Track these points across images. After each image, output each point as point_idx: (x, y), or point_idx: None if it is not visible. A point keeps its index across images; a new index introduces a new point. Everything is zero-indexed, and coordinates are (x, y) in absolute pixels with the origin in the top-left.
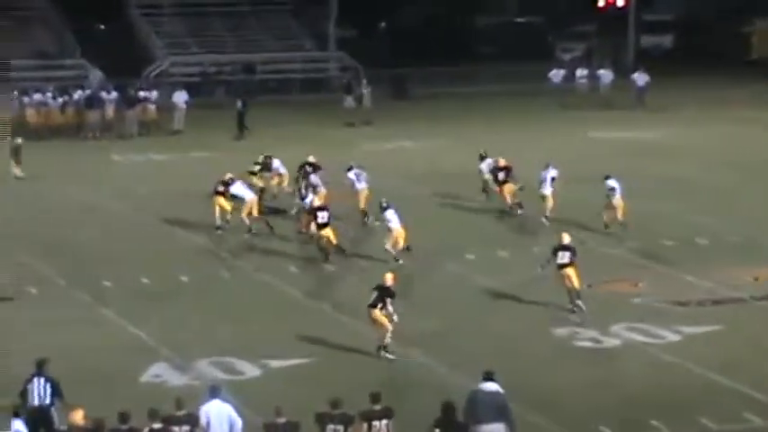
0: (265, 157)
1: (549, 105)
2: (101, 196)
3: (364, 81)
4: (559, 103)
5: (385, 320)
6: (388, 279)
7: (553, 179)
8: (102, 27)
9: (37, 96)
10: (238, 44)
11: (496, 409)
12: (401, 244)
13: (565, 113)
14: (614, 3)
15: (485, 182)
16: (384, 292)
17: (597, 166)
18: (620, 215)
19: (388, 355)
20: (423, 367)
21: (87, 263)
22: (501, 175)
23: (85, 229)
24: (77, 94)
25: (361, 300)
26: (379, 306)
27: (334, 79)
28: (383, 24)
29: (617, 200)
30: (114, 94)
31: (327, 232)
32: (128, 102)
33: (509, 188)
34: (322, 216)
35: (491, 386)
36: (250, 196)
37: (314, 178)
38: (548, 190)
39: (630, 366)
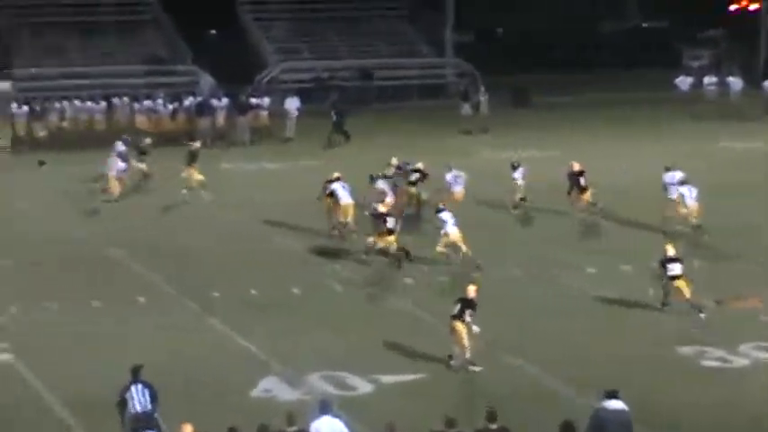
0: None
1: (677, 114)
2: (211, 205)
3: (482, 88)
4: (690, 114)
5: (464, 333)
6: (471, 291)
7: (683, 183)
8: (214, 33)
9: (147, 103)
10: (351, 50)
11: (623, 427)
12: (463, 248)
13: (694, 123)
14: (746, 6)
15: (517, 192)
16: (466, 304)
17: (729, 177)
18: (694, 217)
19: (474, 367)
20: (538, 383)
21: (197, 271)
22: (582, 181)
23: (195, 237)
24: (188, 101)
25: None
26: (462, 318)
27: (450, 86)
28: (500, 30)
29: (690, 202)
30: (225, 101)
31: (391, 239)
32: (239, 109)
33: (587, 195)
34: (389, 222)
35: (616, 404)
36: (346, 200)
37: (381, 184)
38: (675, 194)
39: (759, 387)
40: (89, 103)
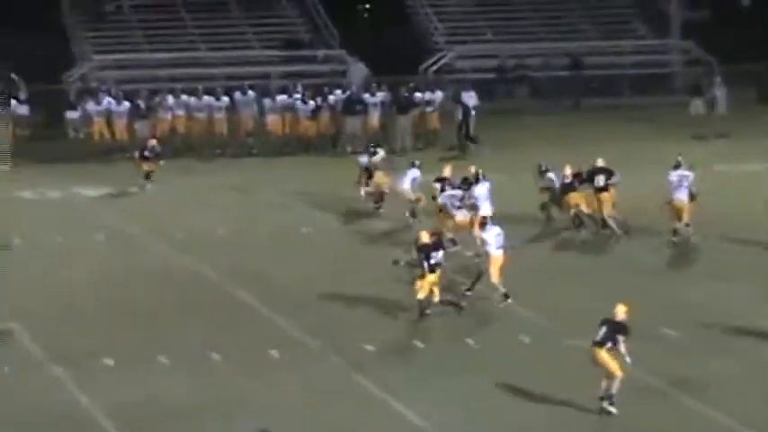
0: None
1: None
2: (361, 230)
3: (718, 79)
4: None
5: (614, 364)
6: (621, 312)
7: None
8: (367, 8)
9: (281, 98)
10: (547, 30)
11: None
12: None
13: None
14: None
15: (548, 199)
16: (615, 328)
17: None
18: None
19: (610, 407)
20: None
21: (346, 316)
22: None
23: (346, 271)
24: (333, 96)
25: None
26: (608, 345)
27: (676, 76)
28: (746, 3)
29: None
30: (381, 96)
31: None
32: (399, 106)
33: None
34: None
35: None
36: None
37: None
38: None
39: None
40: (207, 99)
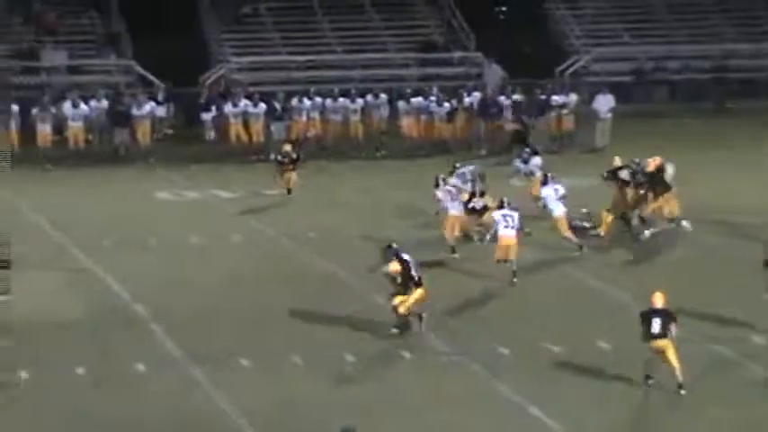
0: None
1: None
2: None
3: None
4: None
5: (671, 352)
6: (661, 300)
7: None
8: (503, 9)
9: (416, 101)
10: (686, 32)
11: None
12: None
13: None
14: None
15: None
16: (667, 317)
17: None
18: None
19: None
20: None
21: (484, 320)
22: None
23: (481, 277)
24: (470, 98)
25: None
26: (670, 335)
27: None
28: None
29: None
30: (515, 98)
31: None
32: (535, 108)
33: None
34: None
35: None
36: (558, 212)
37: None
38: None
39: None
40: (342, 101)
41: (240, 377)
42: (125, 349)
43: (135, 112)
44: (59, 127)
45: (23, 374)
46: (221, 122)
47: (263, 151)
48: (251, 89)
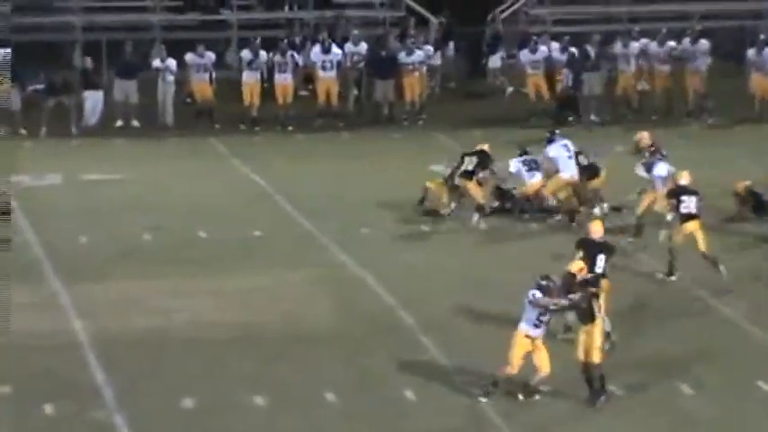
0: None
1: None
2: None
3: None
4: None
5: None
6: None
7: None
8: None
9: None
10: None
11: None
12: None
13: None
14: None
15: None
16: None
17: None
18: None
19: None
20: None
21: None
22: None
23: None
24: None
25: None
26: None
27: None
28: None
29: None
30: None
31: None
32: None
33: None
34: None
35: None
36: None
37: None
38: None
39: None
40: (672, 45)
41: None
42: (388, 369)
43: (403, 58)
44: (304, 78)
45: (260, 399)
46: (514, 72)
47: (572, 109)
48: (553, 29)
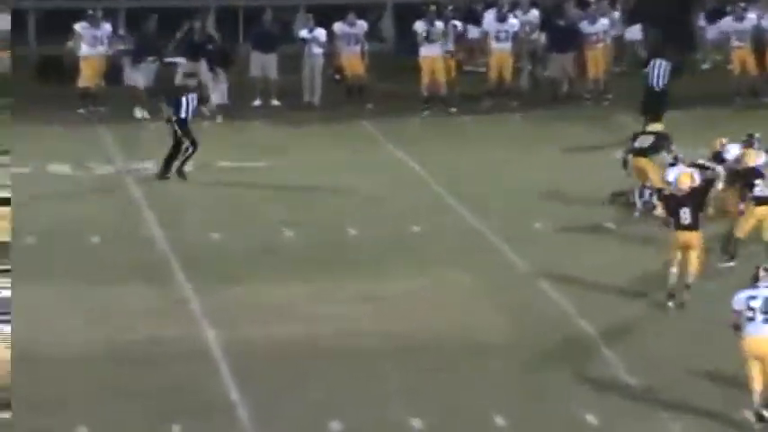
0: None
1: None
2: None
3: None
4: None
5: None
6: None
7: None
8: None
9: None
10: None
11: None
12: None
13: None
14: None
15: None
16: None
17: None
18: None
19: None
20: None
21: None
22: None
23: None
24: None
25: None
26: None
27: None
28: None
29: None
30: None
31: None
32: None
33: None
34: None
35: None
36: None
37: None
38: None
39: None
40: None
41: None
42: (566, 387)
43: (585, 27)
44: (334, 67)
45: (419, 422)
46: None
47: None
48: None
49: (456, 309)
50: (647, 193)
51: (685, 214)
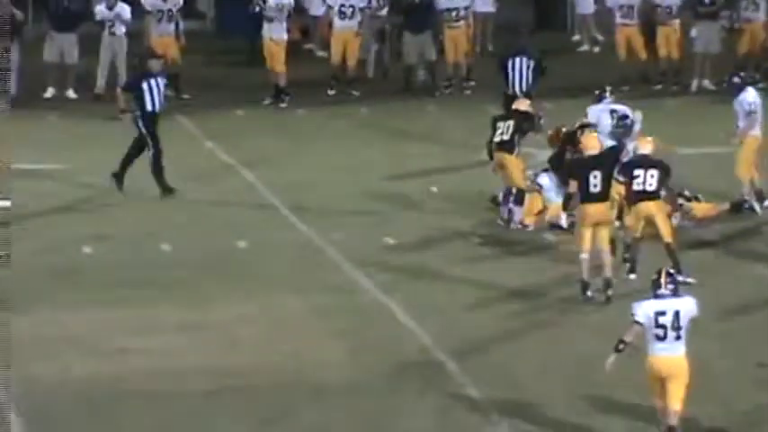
0: None
1: None
2: None
3: None
4: None
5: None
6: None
7: None
8: None
9: None
10: None
11: None
12: None
13: None
14: None
15: None
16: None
17: None
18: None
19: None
20: None
21: None
22: None
23: None
24: None
25: None
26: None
27: None
28: None
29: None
30: None
31: None
32: None
33: None
34: None
35: None
36: None
37: None
38: None
39: None
40: None
41: None
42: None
43: (443, 3)
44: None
45: None
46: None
47: None
48: None
49: (293, 341)
50: (510, 199)
51: (596, 179)
